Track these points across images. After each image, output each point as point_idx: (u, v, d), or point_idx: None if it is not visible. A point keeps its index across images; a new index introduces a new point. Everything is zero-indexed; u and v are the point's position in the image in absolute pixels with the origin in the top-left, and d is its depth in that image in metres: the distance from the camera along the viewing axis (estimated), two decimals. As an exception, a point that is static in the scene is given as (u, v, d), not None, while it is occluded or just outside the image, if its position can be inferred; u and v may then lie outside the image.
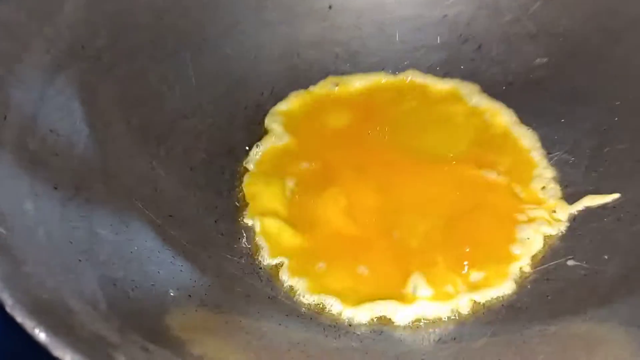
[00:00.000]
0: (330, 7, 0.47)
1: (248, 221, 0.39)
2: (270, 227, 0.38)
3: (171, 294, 0.32)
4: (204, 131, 0.42)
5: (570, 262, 0.35)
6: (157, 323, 0.29)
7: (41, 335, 0.21)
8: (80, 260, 0.30)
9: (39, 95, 0.35)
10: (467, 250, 0.36)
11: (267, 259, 0.37)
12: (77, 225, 0.32)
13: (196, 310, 0.32)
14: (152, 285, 0.32)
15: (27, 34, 0.35)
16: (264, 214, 0.38)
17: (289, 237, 0.37)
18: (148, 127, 0.40)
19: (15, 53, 0.34)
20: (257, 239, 0.38)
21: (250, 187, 0.40)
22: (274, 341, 0.32)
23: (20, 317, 0.22)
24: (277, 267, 0.37)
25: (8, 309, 0.22)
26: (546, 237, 0.37)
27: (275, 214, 0.38)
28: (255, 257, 0.37)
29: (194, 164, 0.41)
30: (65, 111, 0.36)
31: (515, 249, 0.36)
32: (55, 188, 0.32)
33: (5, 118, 0.32)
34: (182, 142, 0.41)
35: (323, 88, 0.45)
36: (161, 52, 0.42)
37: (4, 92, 0.32)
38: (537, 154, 0.40)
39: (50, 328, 0.22)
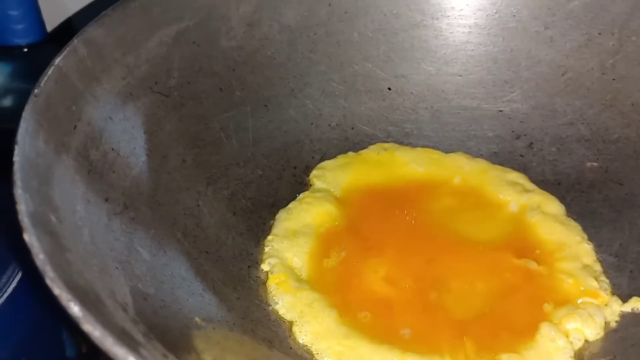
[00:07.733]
0: (389, 88, 0.49)
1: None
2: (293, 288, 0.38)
3: (197, 321, 0.32)
4: (252, 181, 0.43)
5: (610, 363, 0.33)
6: (179, 340, 0.29)
7: (75, 309, 0.21)
8: (117, 268, 0.30)
9: (109, 115, 0.36)
10: (503, 337, 0.35)
11: (289, 314, 0.36)
12: (118, 237, 0.33)
13: (219, 343, 0.31)
14: (180, 309, 0.32)
15: (110, 58, 0.37)
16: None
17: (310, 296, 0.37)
18: (201, 167, 0.41)
19: (96, 73, 0.36)
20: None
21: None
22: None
23: (58, 290, 0.22)
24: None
25: (48, 281, 0.22)
26: (589, 333, 0.35)
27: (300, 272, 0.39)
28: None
29: (237, 209, 0.42)
30: (129, 135, 0.37)
31: (557, 341, 0.35)
32: (106, 200, 0.34)
33: (75, 127, 0.34)
34: (230, 188, 0.42)
35: (372, 151, 0.46)
36: (226, 101, 0.44)
37: (79, 105, 0.34)
38: (584, 248, 0.39)
39: (84, 304, 0.22)
